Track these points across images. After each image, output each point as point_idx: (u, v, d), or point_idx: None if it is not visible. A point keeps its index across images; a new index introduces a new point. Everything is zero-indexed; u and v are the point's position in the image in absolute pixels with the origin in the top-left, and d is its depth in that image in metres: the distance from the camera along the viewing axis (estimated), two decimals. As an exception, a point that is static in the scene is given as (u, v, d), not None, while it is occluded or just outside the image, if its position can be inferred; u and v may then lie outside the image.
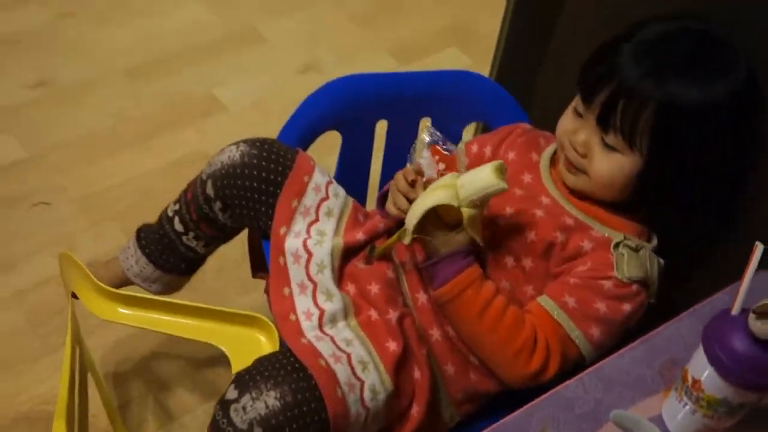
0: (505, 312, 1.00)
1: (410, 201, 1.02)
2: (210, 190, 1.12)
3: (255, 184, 1.10)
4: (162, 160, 1.89)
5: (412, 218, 0.98)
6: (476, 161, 1.15)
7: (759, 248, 0.76)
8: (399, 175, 1.05)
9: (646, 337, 0.96)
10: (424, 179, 1.03)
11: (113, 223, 1.73)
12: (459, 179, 0.98)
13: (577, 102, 1.03)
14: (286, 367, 0.94)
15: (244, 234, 1.25)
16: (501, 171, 0.96)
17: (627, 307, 1.00)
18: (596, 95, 0.98)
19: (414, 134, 1.26)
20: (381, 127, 1.29)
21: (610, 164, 1.00)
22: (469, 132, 1.27)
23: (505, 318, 0.99)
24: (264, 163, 1.10)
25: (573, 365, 1.01)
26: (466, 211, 0.97)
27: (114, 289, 1.11)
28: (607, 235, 1.03)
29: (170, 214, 1.20)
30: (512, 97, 1.27)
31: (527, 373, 0.99)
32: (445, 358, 1.07)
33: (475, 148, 1.17)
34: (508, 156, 1.14)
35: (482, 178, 0.96)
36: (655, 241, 1.06)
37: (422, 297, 1.07)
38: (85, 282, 1.13)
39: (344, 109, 1.24)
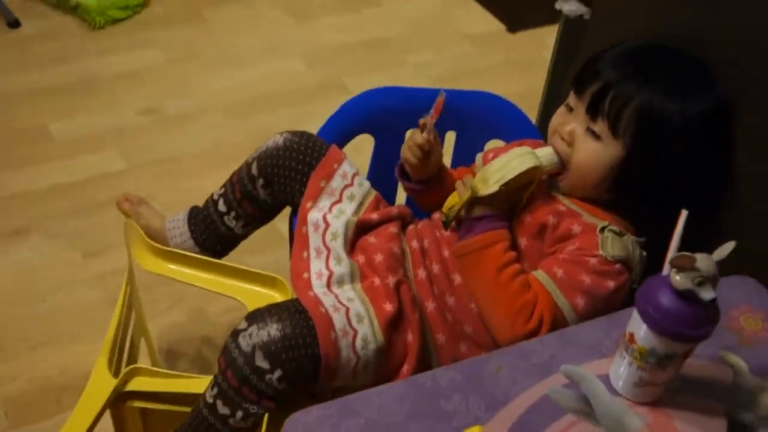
0: (519, 274, 1.12)
1: (423, 152, 1.20)
2: (255, 170, 1.30)
3: (292, 165, 1.28)
4: (242, 182, 2.11)
5: (509, 173, 1.12)
6: None
7: (683, 213, 0.87)
8: (415, 130, 1.22)
9: (611, 314, 1.06)
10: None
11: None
12: (536, 151, 1.15)
13: (569, 98, 1.17)
14: (290, 309, 1.09)
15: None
16: None
17: (610, 283, 1.10)
18: (587, 87, 1.12)
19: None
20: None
21: (593, 150, 1.12)
22: (489, 146, 1.41)
23: (517, 278, 1.11)
24: (302, 149, 1.28)
25: None
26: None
27: (164, 247, 1.30)
28: (594, 222, 1.14)
29: (215, 197, 1.37)
30: (528, 118, 1.41)
31: (524, 331, 1.08)
32: (437, 328, 1.18)
33: (491, 155, 1.31)
34: None
35: (554, 152, 1.16)
36: (642, 238, 1.16)
37: (422, 273, 1.20)
38: (142, 243, 1.32)
39: (377, 116, 1.40)
